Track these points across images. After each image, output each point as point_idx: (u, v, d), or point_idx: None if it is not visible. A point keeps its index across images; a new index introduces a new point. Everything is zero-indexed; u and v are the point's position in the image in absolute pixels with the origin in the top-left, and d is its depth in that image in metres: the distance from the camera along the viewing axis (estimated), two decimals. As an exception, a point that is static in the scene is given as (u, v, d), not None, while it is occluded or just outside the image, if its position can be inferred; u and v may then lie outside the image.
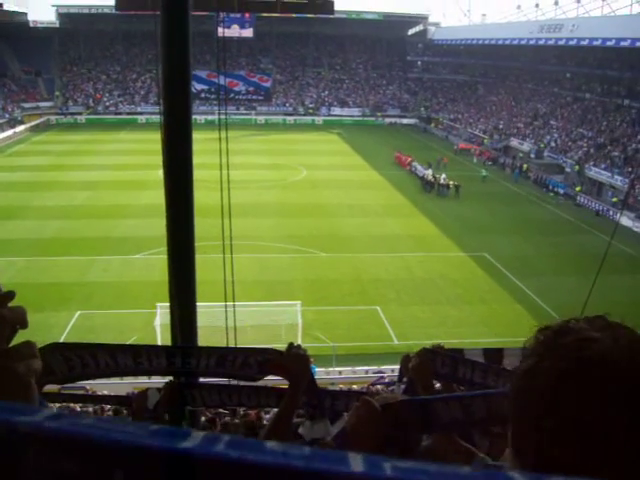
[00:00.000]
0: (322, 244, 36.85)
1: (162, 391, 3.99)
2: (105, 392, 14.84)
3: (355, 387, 18.22)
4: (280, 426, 3.06)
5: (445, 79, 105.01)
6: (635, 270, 34.79)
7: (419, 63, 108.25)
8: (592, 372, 1.12)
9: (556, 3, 77.90)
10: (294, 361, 3.09)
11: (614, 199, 49.83)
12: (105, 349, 3.89)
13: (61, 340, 24.50)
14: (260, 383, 4.04)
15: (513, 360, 4.51)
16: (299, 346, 3.19)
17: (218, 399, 4.21)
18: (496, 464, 2.85)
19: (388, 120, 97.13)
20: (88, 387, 15.16)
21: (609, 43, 58.32)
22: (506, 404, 1.29)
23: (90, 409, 11.57)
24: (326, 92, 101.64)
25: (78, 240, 36.23)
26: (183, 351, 4.17)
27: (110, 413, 11.55)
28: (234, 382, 4.45)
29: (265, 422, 5.83)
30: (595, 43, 60.75)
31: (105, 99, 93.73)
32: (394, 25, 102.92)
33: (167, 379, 4.36)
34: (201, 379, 4.86)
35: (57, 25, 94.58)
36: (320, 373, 22.80)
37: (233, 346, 4.93)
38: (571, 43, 65.29)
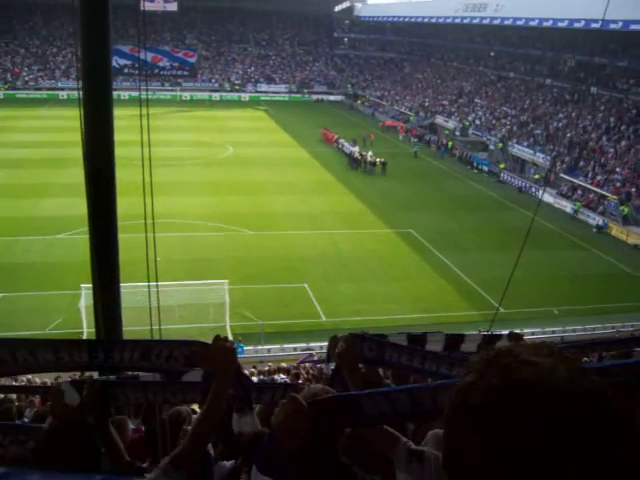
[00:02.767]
0: (249, 222, 36.66)
1: (84, 392, 3.85)
2: (28, 377, 14.48)
3: (284, 365, 18.25)
4: (208, 420, 3.02)
5: (372, 56, 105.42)
6: (556, 245, 35.77)
7: (346, 40, 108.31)
8: (525, 393, 1.10)
9: (480, -18, 78.88)
10: (220, 353, 3.03)
11: (536, 176, 51.02)
12: (23, 344, 3.74)
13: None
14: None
15: (435, 345, 4.56)
16: (226, 338, 3.13)
17: (142, 396, 4.10)
18: (418, 449, 2.85)
19: (315, 97, 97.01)
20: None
21: (532, 23, 59.46)
22: (430, 399, 1.27)
23: (14, 396, 11.26)
24: (252, 68, 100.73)
25: (-3, 219, 35.10)
26: (105, 345, 4.04)
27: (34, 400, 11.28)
28: (158, 378, 4.35)
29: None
30: (518, 23, 61.85)
31: (24, 74, 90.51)
32: (321, 1, 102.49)
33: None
34: (122, 376, 4.74)
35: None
36: (249, 351, 22.81)
37: (158, 338, 4.82)
38: (495, 22, 66.30)
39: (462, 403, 1.17)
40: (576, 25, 52.27)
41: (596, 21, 46.79)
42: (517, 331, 5.44)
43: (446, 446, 1.21)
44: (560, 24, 54.83)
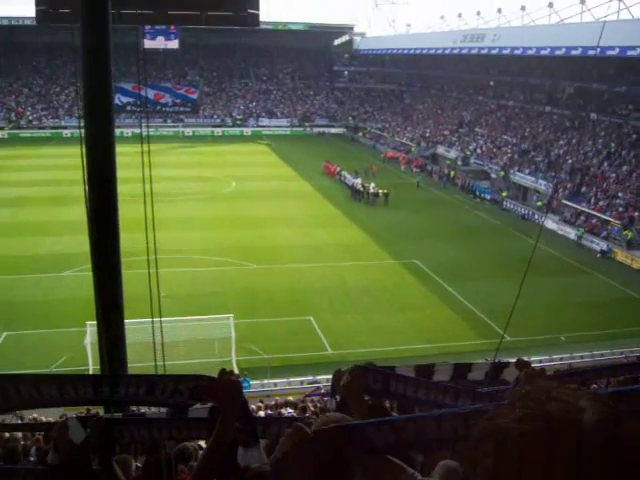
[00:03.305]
0: (253, 256, 36.65)
1: (89, 429, 3.82)
2: (34, 415, 14.38)
3: (291, 398, 18.15)
4: (214, 454, 2.99)
5: (372, 88, 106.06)
6: (561, 272, 35.67)
7: (346, 73, 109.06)
8: (544, 424, 1.13)
9: (478, 13, 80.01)
10: (226, 387, 3.01)
11: (539, 203, 51.07)
12: (28, 380, 3.72)
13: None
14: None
15: (443, 375, 4.53)
16: (231, 372, 3.11)
17: (147, 433, 4.08)
18: (424, 479, 2.81)
19: (316, 130, 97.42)
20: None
21: (530, 52, 59.85)
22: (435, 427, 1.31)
23: (19, 435, 11.14)
24: (254, 103, 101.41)
25: (3, 258, 35.11)
26: (111, 379, 4.02)
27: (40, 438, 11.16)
28: (164, 414, 4.33)
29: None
30: (516, 52, 62.23)
31: (28, 113, 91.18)
32: (320, 35, 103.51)
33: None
34: (126, 414, 4.72)
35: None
36: (255, 385, 22.68)
37: (163, 373, 4.80)
38: (493, 52, 66.73)
39: (487, 427, 1.20)
40: (573, 52, 52.60)
41: (593, 48, 47.12)
42: (525, 359, 5.40)
43: (466, 468, 1.23)
44: (557, 52, 55.20)
